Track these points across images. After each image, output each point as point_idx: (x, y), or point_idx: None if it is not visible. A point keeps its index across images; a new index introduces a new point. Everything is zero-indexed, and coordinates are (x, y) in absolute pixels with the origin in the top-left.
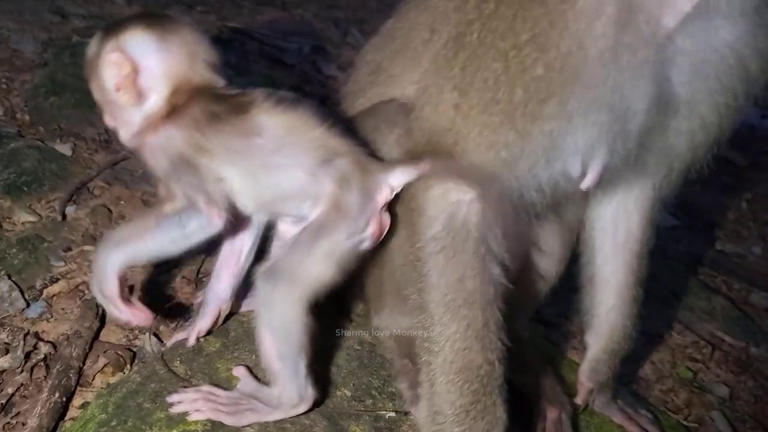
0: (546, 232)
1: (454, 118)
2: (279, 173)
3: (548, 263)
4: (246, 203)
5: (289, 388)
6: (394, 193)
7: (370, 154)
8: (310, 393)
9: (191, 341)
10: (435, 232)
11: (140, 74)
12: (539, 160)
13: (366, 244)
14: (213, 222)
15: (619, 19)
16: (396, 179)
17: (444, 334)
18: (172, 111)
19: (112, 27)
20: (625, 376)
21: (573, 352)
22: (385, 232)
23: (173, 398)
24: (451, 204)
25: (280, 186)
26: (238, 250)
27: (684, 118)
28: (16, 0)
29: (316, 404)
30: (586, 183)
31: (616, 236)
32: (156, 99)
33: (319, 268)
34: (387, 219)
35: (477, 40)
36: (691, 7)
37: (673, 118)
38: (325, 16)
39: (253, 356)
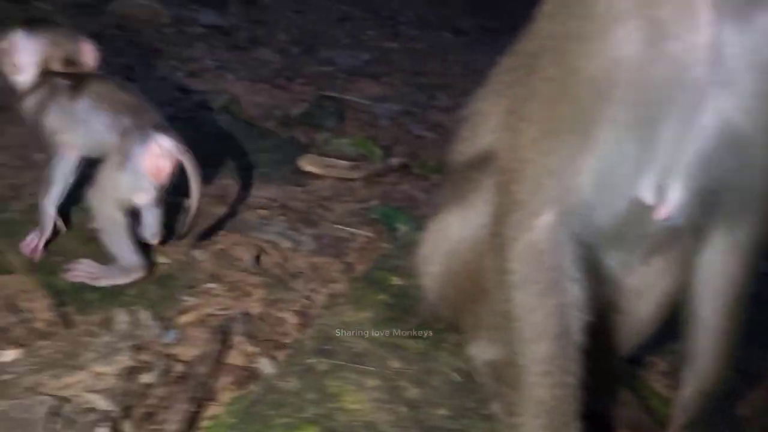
0: (642, 271)
1: (523, 146)
2: (88, 127)
3: (644, 303)
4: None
5: (128, 259)
6: (163, 146)
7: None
8: (141, 260)
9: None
10: (515, 262)
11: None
12: (604, 184)
13: (146, 179)
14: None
15: (651, 38)
16: (162, 140)
17: (528, 362)
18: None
19: None
20: (720, 415)
21: (663, 387)
22: (161, 174)
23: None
24: (532, 233)
25: (89, 136)
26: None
27: (751, 147)
28: (143, 77)
29: None
30: (661, 213)
31: (712, 279)
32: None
33: (111, 184)
34: (163, 164)
35: (536, 69)
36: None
37: (740, 149)
38: (411, 83)
39: (358, 376)
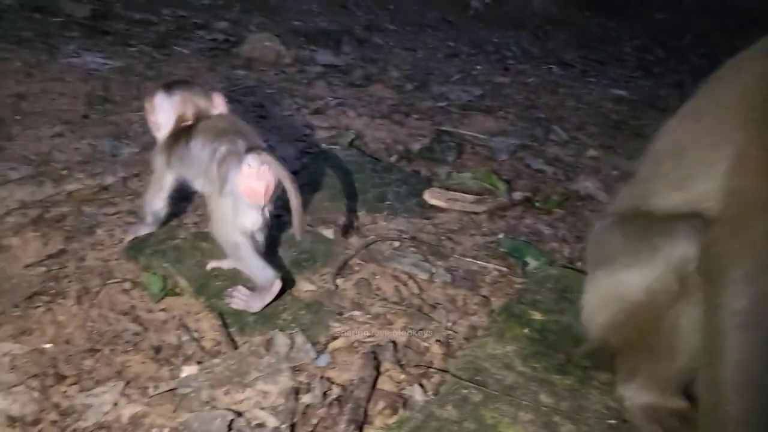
0: None
1: None
2: (198, 163)
3: None
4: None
5: (262, 277)
6: (253, 167)
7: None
8: (274, 273)
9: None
10: (741, 306)
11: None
12: None
13: (245, 202)
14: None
15: None
16: (253, 161)
17: (741, 412)
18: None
19: None
20: None
21: None
22: (256, 194)
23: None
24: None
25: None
26: None
27: None
28: (273, 115)
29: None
30: None
31: None
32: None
33: (219, 211)
34: (257, 185)
35: None
36: None
37: None
38: (526, 117)
39: (512, 408)
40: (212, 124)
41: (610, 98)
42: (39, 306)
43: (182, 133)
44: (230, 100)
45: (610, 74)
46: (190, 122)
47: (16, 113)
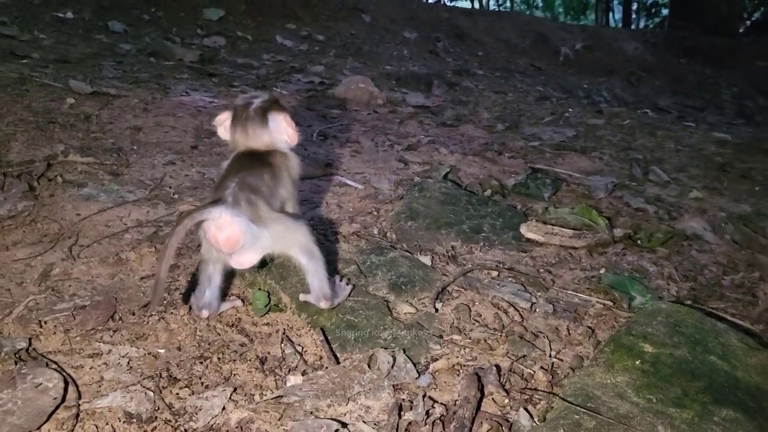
0: None
1: None
2: None
3: None
4: None
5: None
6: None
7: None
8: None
9: None
10: None
11: None
12: None
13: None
14: None
15: None
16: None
17: None
18: None
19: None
20: None
21: None
22: (218, 243)
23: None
24: None
25: None
26: None
27: None
28: (368, 150)
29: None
30: None
31: None
32: None
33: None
34: (216, 235)
35: None
36: None
37: None
38: (622, 158)
39: None
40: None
41: (712, 141)
42: (153, 315)
43: None
44: (327, 136)
45: (708, 120)
46: None
47: (133, 143)
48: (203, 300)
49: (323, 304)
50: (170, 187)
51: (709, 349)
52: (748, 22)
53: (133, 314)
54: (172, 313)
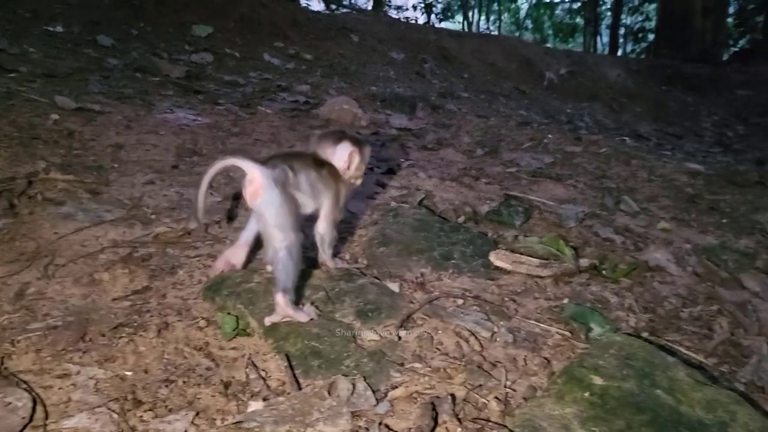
0: None
1: None
2: None
3: None
4: None
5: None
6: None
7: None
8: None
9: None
10: None
11: None
12: None
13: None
14: None
15: None
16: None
17: None
18: None
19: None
20: None
21: None
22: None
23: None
24: None
25: None
26: None
27: None
28: None
29: None
30: None
31: None
32: None
33: None
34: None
35: None
36: None
37: None
38: (596, 186)
39: None
40: None
41: (684, 172)
42: (123, 336)
43: None
44: None
45: (686, 148)
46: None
47: (114, 161)
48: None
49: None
50: (148, 207)
51: (657, 382)
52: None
53: (104, 336)
54: (141, 335)
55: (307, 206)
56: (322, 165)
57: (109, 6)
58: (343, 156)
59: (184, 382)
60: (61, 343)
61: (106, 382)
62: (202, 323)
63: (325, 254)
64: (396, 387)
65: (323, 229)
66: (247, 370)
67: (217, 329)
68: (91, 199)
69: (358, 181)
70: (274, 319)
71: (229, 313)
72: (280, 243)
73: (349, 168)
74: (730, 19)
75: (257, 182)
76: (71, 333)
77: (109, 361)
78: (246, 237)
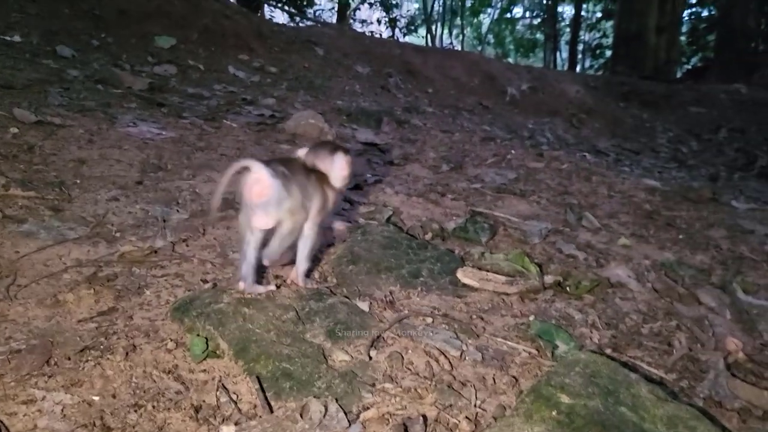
0: None
1: None
2: None
3: None
4: None
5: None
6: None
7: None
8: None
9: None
10: None
11: None
12: None
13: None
14: None
15: None
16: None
17: None
18: None
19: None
20: None
21: None
22: (251, 192)
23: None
24: None
25: None
26: None
27: None
28: None
29: None
30: None
31: None
32: None
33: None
34: (251, 185)
35: None
36: None
37: None
38: (558, 202)
39: None
40: None
41: (642, 188)
42: (89, 360)
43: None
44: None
45: (643, 164)
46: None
47: (76, 177)
48: (240, 273)
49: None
50: (112, 225)
51: (621, 400)
52: (686, 67)
53: (69, 359)
54: (108, 359)
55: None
56: (310, 172)
57: (69, 16)
58: (341, 165)
59: (154, 406)
60: (26, 367)
61: (73, 408)
62: (171, 345)
63: (300, 266)
64: (368, 408)
65: (308, 230)
66: (218, 393)
67: (186, 351)
68: (54, 216)
69: (344, 188)
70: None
71: (198, 335)
72: (283, 229)
73: (345, 176)
74: (683, 38)
75: (264, 180)
76: (36, 357)
77: (76, 386)
78: (248, 267)
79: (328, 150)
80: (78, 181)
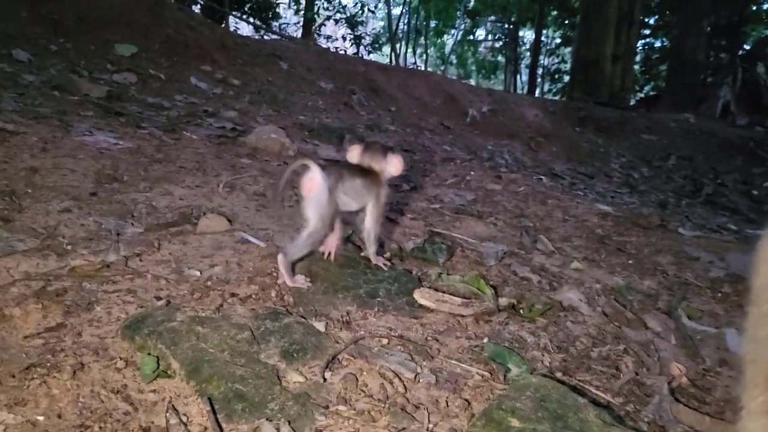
0: None
1: None
2: None
3: None
4: None
5: None
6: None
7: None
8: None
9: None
10: None
11: None
12: None
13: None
14: None
15: None
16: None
17: None
18: None
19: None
20: None
21: None
22: (303, 186)
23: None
24: None
25: None
26: None
27: None
28: (276, 207)
29: None
30: None
31: None
32: None
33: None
34: (306, 180)
35: None
36: None
37: None
38: (515, 224)
39: None
40: None
41: (595, 213)
42: (35, 378)
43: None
44: (233, 187)
45: (597, 188)
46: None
47: (27, 186)
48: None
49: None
50: (64, 237)
51: (569, 424)
52: (639, 95)
53: (14, 377)
54: (54, 377)
55: (351, 205)
56: (367, 173)
57: (27, 20)
58: (394, 162)
59: (101, 427)
60: None
61: (16, 428)
62: (121, 364)
63: (369, 248)
64: (321, 431)
65: (369, 224)
66: (168, 414)
67: (136, 370)
68: (2, 227)
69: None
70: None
71: (149, 354)
72: (309, 226)
73: (398, 172)
74: (636, 66)
75: (316, 181)
76: None
77: (20, 405)
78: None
79: (380, 151)
80: (29, 191)
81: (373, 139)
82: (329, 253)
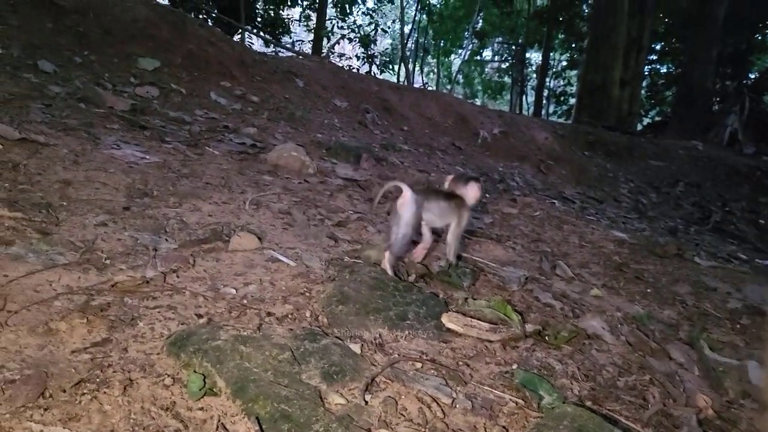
0: None
1: None
2: None
3: None
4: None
5: None
6: (398, 196)
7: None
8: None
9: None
10: None
11: None
12: None
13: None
14: None
15: None
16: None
17: None
18: None
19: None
20: None
21: None
22: (398, 207)
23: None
24: None
25: None
26: None
27: None
28: (301, 224)
29: None
30: None
31: None
32: None
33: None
34: (399, 199)
35: None
36: None
37: None
38: (533, 249)
39: None
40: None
41: (611, 240)
42: (85, 393)
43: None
44: (259, 204)
45: (607, 213)
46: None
47: (62, 199)
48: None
49: (387, 255)
50: (102, 252)
51: None
52: (646, 120)
53: (65, 391)
54: (105, 392)
55: (435, 222)
56: (452, 197)
57: (52, 30)
58: (474, 190)
59: None
60: (20, 399)
61: None
62: (168, 381)
63: (449, 257)
64: None
65: (450, 239)
66: None
67: (183, 387)
68: (42, 239)
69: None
70: (385, 265)
71: (195, 371)
72: (402, 232)
73: (477, 198)
74: (643, 92)
75: (407, 199)
76: (30, 388)
77: (73, 420)
78: (425, 233)
79: (463, 179)
80: (65, 204)
81: (464, 171)
82: (420, 256)
